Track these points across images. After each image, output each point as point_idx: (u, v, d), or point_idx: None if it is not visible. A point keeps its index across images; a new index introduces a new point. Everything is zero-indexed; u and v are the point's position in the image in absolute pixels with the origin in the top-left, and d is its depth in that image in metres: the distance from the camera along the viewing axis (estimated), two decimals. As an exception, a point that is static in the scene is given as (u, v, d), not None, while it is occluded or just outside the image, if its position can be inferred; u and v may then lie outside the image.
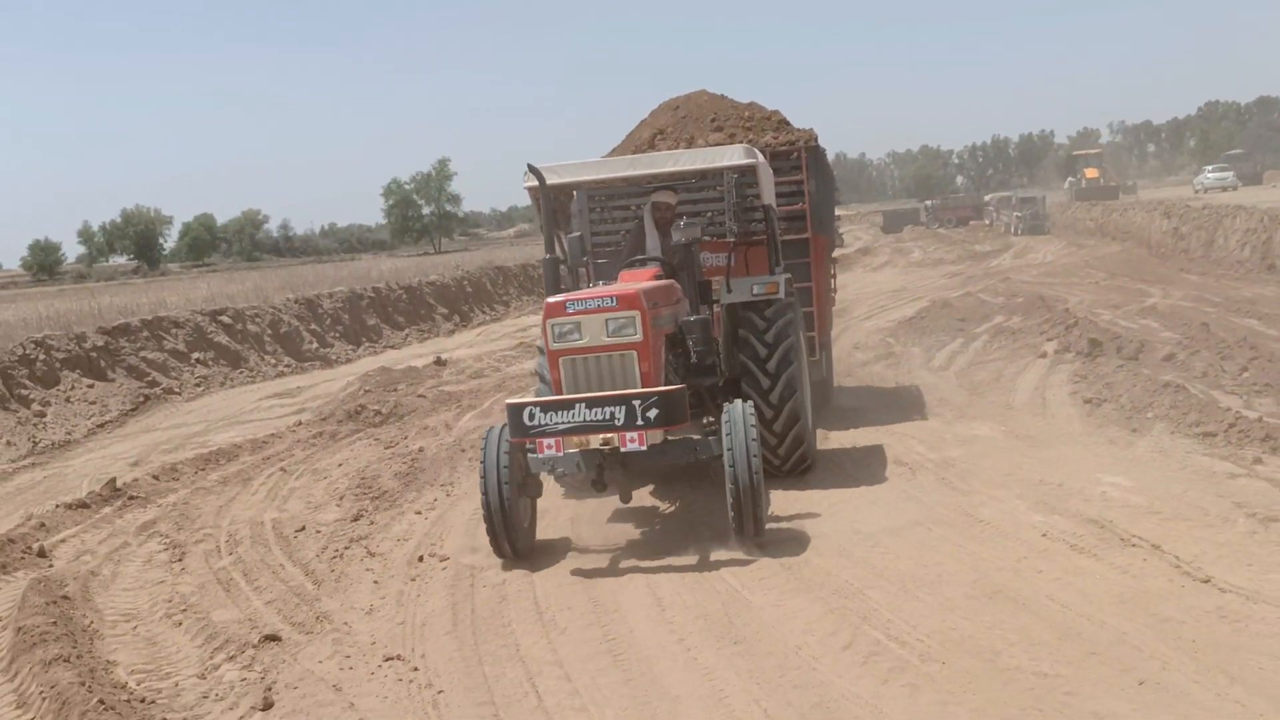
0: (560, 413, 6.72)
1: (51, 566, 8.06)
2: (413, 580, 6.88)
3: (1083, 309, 19.76)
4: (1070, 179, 70.50)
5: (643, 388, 6.88)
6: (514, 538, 7.05)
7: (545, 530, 7.85)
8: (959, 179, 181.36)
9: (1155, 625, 5.08)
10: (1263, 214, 29.53)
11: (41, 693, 5.19)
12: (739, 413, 6.92)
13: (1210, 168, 68.90)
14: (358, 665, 5.49)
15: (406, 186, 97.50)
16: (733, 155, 8.29)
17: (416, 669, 5.39)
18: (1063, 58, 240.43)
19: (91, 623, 6.52)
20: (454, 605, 6.29)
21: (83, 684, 5.14)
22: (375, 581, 6.96)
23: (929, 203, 78.44)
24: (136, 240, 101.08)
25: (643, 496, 8.66)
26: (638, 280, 7.71)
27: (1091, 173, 66.34)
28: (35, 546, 8.52)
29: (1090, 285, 25.89)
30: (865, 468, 8.98)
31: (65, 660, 5.50)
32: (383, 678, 5.31)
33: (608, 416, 6.66)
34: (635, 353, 6.99)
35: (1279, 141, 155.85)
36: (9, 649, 6.01)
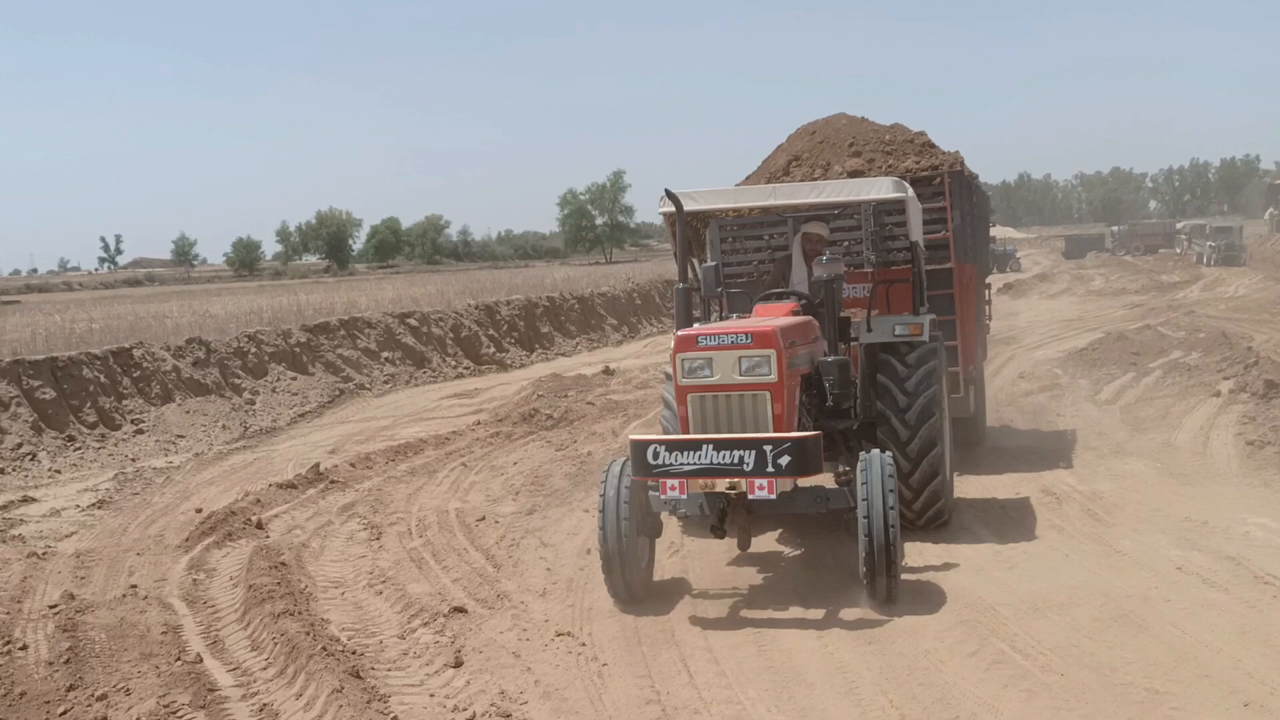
0: (686, 453, 6.41)
1: (269, 537, 9.18)
2: (581, 570, 7.64)
3: (1267, 348, 19.11)
4: (1271, 209, 66.75)
5: (775, 431, 6.62)
6: (631, 578, 6.74)
7: (659, 570, 7.54)
8: (1152, 204, 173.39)
9: (1271, 655, 5.36)
10: None
11: (273, 639, 6.16)
12: (877, 464, 6.54)
13: None
14: (533, 638, 6.27)
15: (581, 197, 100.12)
16: (880, 189, 7.84)
17: (584, 644, 6.14)
18: (1273, 74, 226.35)
19: (306, 587, 7.51)
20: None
21: (307, 634, 6.09)
22: (548, 569, 7.76)
23: (1115, 228, 75.77)
24: (328, 240, 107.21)
25: (764, 542, 8.28)
26: (774, 315, 7.43)
27: (1295, 203, 62.64)
28: (254, 519, 9.69)
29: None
30: (1010, 521, 8.50)
31: (290, 614, 6.48)
32: (555, 649, 6.07)
33: (736, 461, 6.34)
34: (769, 394, 6.69)
35: None
36: (242, 602, 7.05)
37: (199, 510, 10.49)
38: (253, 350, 19.10)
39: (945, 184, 10.01)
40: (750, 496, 6.42)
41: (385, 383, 20.69)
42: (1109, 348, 20.12)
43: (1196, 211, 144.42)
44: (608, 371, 19.95)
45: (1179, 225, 70.13)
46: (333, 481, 11.35)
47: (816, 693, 5.26)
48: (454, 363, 23.00)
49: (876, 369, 8.17)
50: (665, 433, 8.03)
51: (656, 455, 6.46)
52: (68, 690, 5.73)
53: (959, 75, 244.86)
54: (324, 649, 5.82)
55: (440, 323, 24.19)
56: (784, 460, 6.30)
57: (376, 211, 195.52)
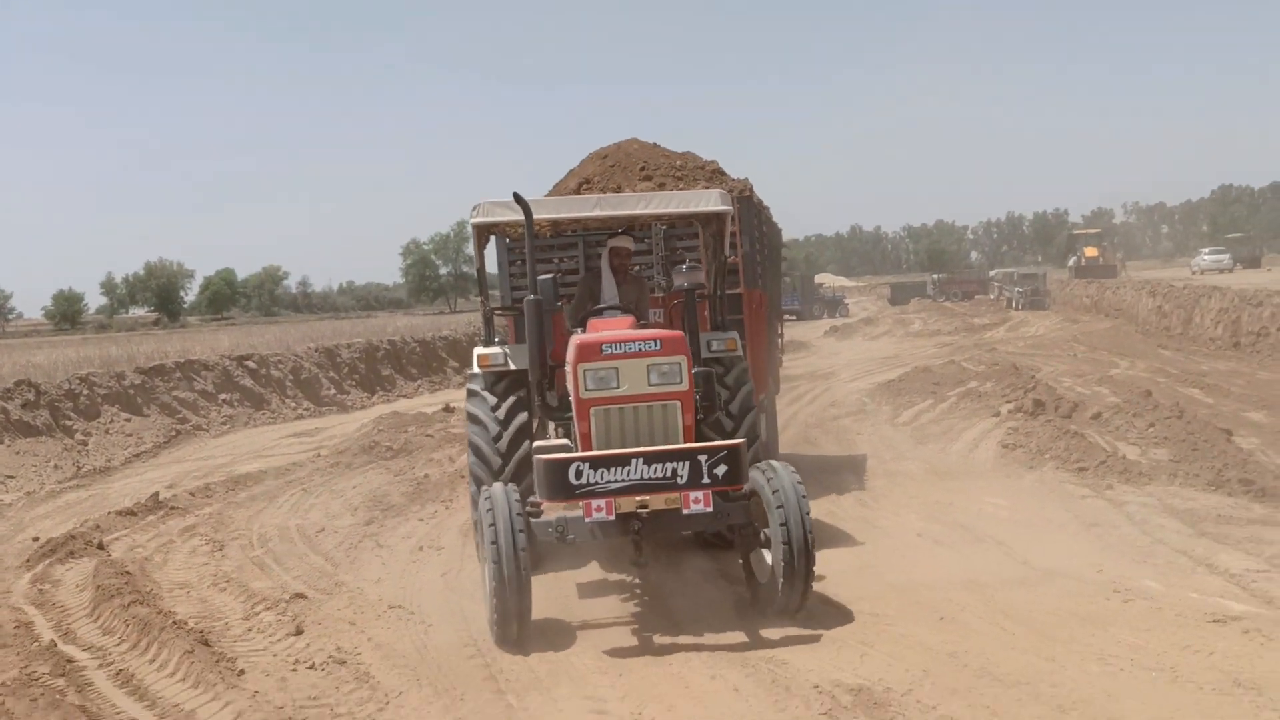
0: (614, 469, 5.98)
1: (110, 556, 9.56)
2: (414, 562, 8.42)
3: (1049, 376, 21.25)
4: (1072, 257, 72.19)
5: (684, 443, 6.34)
6: (526, 620, 6.12)
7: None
8: (973, 254, 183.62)
9: (972, 588, 6.84)
10: (1235, 294, 31.09)
11: (124, 623, 6.70)
12: (784, 472, 6.34)
13: (1207, 250, 70.62)
14: (368, 611, 7.04)
15: (425, 247, 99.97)
16: (709, 200, 7.84)
17: (413, 613, 6.95)
18: (1078, 137, 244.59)
19: (152, 589, 8.00)
20: (445, 574, 7.87)
21: (157, 616, 6.67)
22: (383, 563, 8.51)
23: (936, 276, 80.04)
24: (158, 292, 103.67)
25: (591, 571, 8.04)
26: (618, 329, 7.05)
27: (1091, 251, 67.90)
28: (95, 541, 10.01)
29: (1067, 357, 27.26)
30: None
31: (140, 603, 7.03)
32: (388, 618, 6.88)
33: (670, 474, 6.00)
34: (679, 403, 6.43)
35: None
36: (91, 601, 7.52)
37: (36, 539, 10.69)
38: (85, 392, 18.99)
39: (734, 210, 9.83)
40: (685, 511, 6.14)
41: (223, 424, 20.79)
42: (914, 379, 21.90)
43: (1014, 260, 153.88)
44: (448, 409, 20.56)
45: (991, 273, 74.81)
46: (173, 508, 11.69)
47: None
48: (294, 404, 23.21)
49: None
50: (475, 462, 7.69)
51: (579, 474, 5.99)
52: (-76, 676, 6.14)
53: (789, 123, 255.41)
54: (174, 624, 6.44)
55: (279, 365, 24.36)
56: (720, 470, 6.07)
57: (211, 263, 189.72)
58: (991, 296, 65.56)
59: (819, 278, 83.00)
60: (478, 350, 8.05)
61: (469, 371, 8.15)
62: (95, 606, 7.32)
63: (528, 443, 7.62)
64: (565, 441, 7.28)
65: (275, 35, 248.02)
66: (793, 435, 15.43)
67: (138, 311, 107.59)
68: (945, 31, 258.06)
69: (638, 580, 7.56)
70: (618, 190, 10.52)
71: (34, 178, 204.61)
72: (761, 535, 6.47)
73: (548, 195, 11.26)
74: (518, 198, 7.22)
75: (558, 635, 6.35)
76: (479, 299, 8.53)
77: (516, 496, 6.24)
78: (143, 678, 5.89)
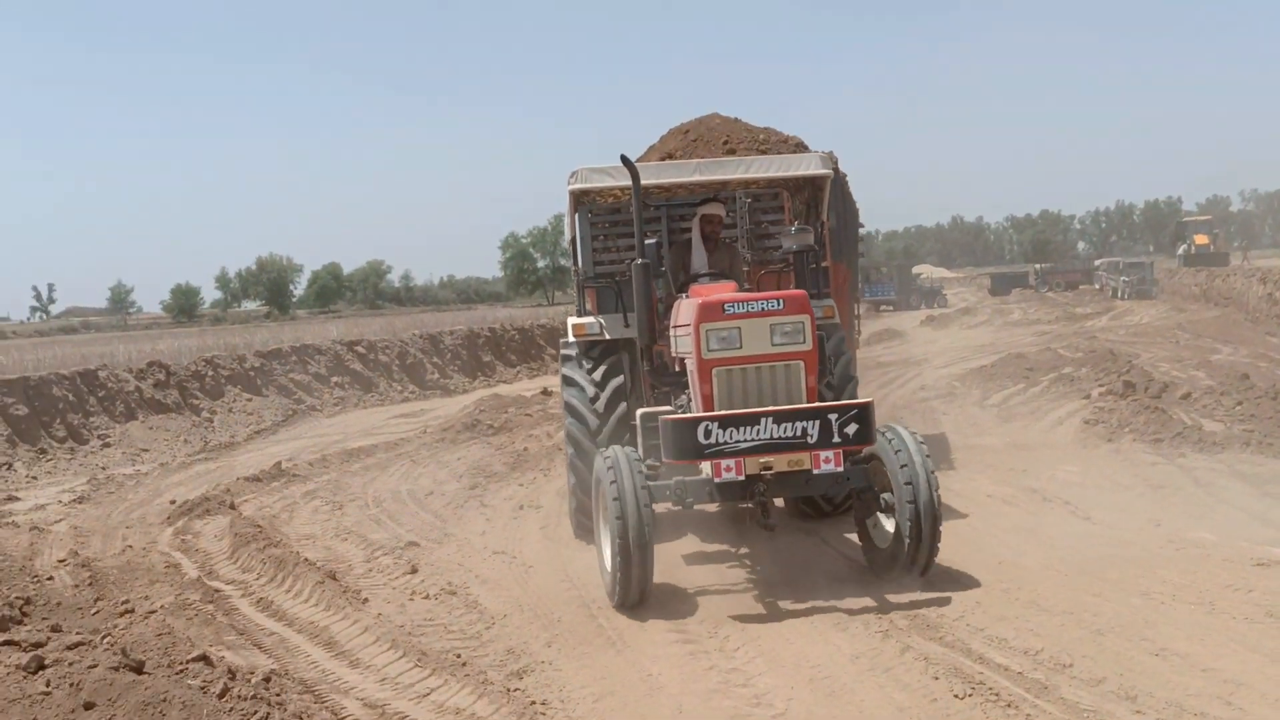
0: (744, 429, 5.91)
1: (242, 514, 10.50)
2: (514, 519, 9.15)
3: (1146, 362, 21.14)
4: (1181, 245, 70.25)
5: (808, 403, 6.24)
6: (648, 584, 6.14)
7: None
8: (1080, 244, 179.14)
9: (1033, 542, 7.28)
10: (1349, 279, 30.27)
11: (261, 562, 7.55)
12: (907, 436, 6.33)
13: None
14: (474, 555, 7.80)
15: (523, 240, 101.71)
16: (809, 164, 7.88)
17: (515, 557, 7.69)
18: (1191, 121, 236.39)
19: (281, 539, 8.87)
20: (543, 527, 8.57)
21: (290, 556, 7.49)
22: (487, 519, 9.27)
23: (1038, 266, 78.62)
24: (269, 286, 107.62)
25: (688, 544, 7.98)
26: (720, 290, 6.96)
27: (1201, 239, 66.02)
28: (227, 501, 10.99)
29: (1169, 344, 26.86)
30: None
31: (274, 546, 7.88)
32: (493, 561, 7.63)
33: (800, 433, 5.92)
34: (802, 363, 6.31)
35: None
36: (230, 546, 8.41)
37: (173, 501, 11.73)
38: (209, 373, 20.32)
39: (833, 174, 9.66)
40: (816, 471, 6.08)
41: (335, 405, 21.95)
42: (1007, 365, 21.93)
43: (1124, 251, 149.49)
44: (546, 393, 21.36)
45: (1096, 263, 73.17)
46: (294, 476, 12.66)
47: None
48: (400, 387, 24.33)
49: None
50: (572, 423, 7.84)
51: (709, 433, 5.91)
52: (95, 600, 7.05)
53: (884, 109, 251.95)
54: (306, 561, 7.25)
55: (387, 350, 25.53)
56: (851, 429, 5.97)
57: (317, 257, 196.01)
58: (1096, 286, 64.21)
59: (917, 268, 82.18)
60: (571, 320, 8.30)
61: (564, 340, 8.34)
62: (234, 550, 8.19)
63: (624, 405, 7.75)
64: (669, 408, 7.22)
65: (383, 34, 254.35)
66: (880, 415, 15.69)
67: (250, 305, 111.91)
68: (1053, 14, 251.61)
69: (744, 550, 7.58)
70: None
71: (152, 176, 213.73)
72: (881, 500, 6.40)
73: None
74: (625, 160, 7.16)
75: (672, 600, 6.35)
76: (573, 269, 8.75)
77: (639, 457, 6.27)
78: (281, 604, 6.70)
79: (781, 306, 6.27)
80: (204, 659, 4.99)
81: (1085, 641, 5.14)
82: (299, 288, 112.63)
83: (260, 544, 8.08)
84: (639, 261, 7.19)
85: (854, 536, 7.01)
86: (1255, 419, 11.89)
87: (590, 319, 8.28)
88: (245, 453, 16.59)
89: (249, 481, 12.27)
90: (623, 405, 7.79)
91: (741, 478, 6.02)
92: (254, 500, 11.32)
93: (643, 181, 7.45)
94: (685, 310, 6.66)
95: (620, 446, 6.43)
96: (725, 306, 6.28)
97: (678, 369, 7.22)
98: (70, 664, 4.63)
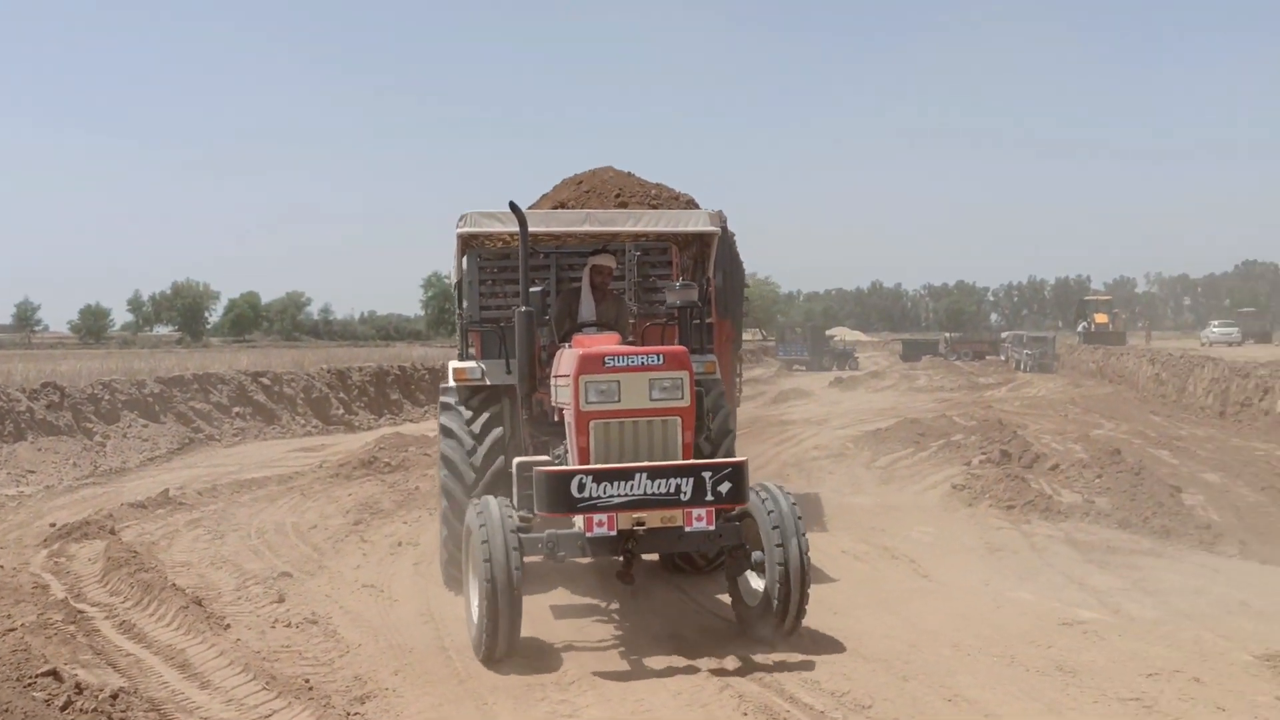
0: (617, 483, 5.91)
1: (121, 539, 10.52)
2: (391, 554, 9.38)
3: (1031, 434, 22.04)
4: (1082, 323, 72.89)
5: (682, 460, 6.30)
6: (515, 637, 6.05)
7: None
8: (993, 316, 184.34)
9: (871, 592, 7.77)
10: (1226, 365, 31.86)
11: (130, 586, 7.66)
12: (779, 495, 6.39)
13: (1216, 323, 71.17)
14: (343, 588, 8.02)
15: (445, 280, 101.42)
16: (699, 220, 8.00)
17: (382, 591, 7.92)
18: (1104, 205, 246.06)
19: (155, 565, 8.95)
20: (417, 564, 8.85)
21: (159, 580, 7.62)
22: (364, 554, 9.48)
23: (948, 335, 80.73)
24: (183, 312, 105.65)
25: (558, 596, 7.95)
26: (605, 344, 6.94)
27: (1101, 318, 68.57)
28: (107, 526, 10.99)
29: (1058, 417, 27.93)
30: None
31: (145, 571, 7.99)
32: (361, 594, 7.86)
33: (673, 490, 5.95)
34: (680, 419, 6.34)
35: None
36: (101, 570, 8.48)
37: (53, 524, 11.68)
38: (106, 397, 20.08)
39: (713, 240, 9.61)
40: (688, 529, 6.10)
41: (235, 435, 21.82)
42: (901, 429, 22.65)
43: (1032, 324, 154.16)
44: (449, 433, 21.53)
45: (1003, 335, 75.45)
46: (180, 504, 12.68)
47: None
48: (303, 421, 24.23)
49: None
50: (448, 476, 7.79)
51: (583, 487, 5.90)
52: (-47, 619, 7.09)
53: (800, 171, 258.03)
54: (174, 586, 7.40)
55: (292, 384, 25.43)
56: (724, 487, 6.03)
57: (236, 285, 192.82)
58: (1002, 358, 66.11)
59: (832, 330, 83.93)
60: (453, 364, 8.18)
61: (443, 385, 8.24)
62: (105, 574, 8.27)
63: (502, 458, 7.65)
64: (546, 457, 7.19)
65: (314, 57, 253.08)
66: (769, 472, 16.26)
67: (162, 330, 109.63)
68: (972, 94, 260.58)
69: (613, 605, 7.61)
70: None
71: (66, 193, 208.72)
72: (752, 558, 6.44)
73: None
74: (514, 207, 7.18)
75: (539, 655, 6.28)
76: (457, 312, 8.73)
77: (511, 509, 6.21)
78: (143, 627, 6.83)
79: (661, 362, 6.31)
80: (54, 674, 5.15)
81: (890, 686, 5.57)
82: (215, 315, 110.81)
83: (132, 569, 8.18)
84: (522, 309, 7.16)
85: (725, 596, 7.09)
86: (1110, 492, 12.64)
87: (472, 364, 8.17)
88: (135, 479, 16.45)
89: (133, 507, 12.27)
90: (500, 459, 7.70)
91: (614, 533, 6.01)
92: (136, 526, 11.33)
93: (532, 229, 7.54)
94: (566, 360, 6.67)
95: (492, 498, 6.37)
96: (605, 359, 6.30)
97: (556, 419, 7.18)
98: (-83, 673, 4.76)
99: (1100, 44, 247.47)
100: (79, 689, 4.94)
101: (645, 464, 6.07)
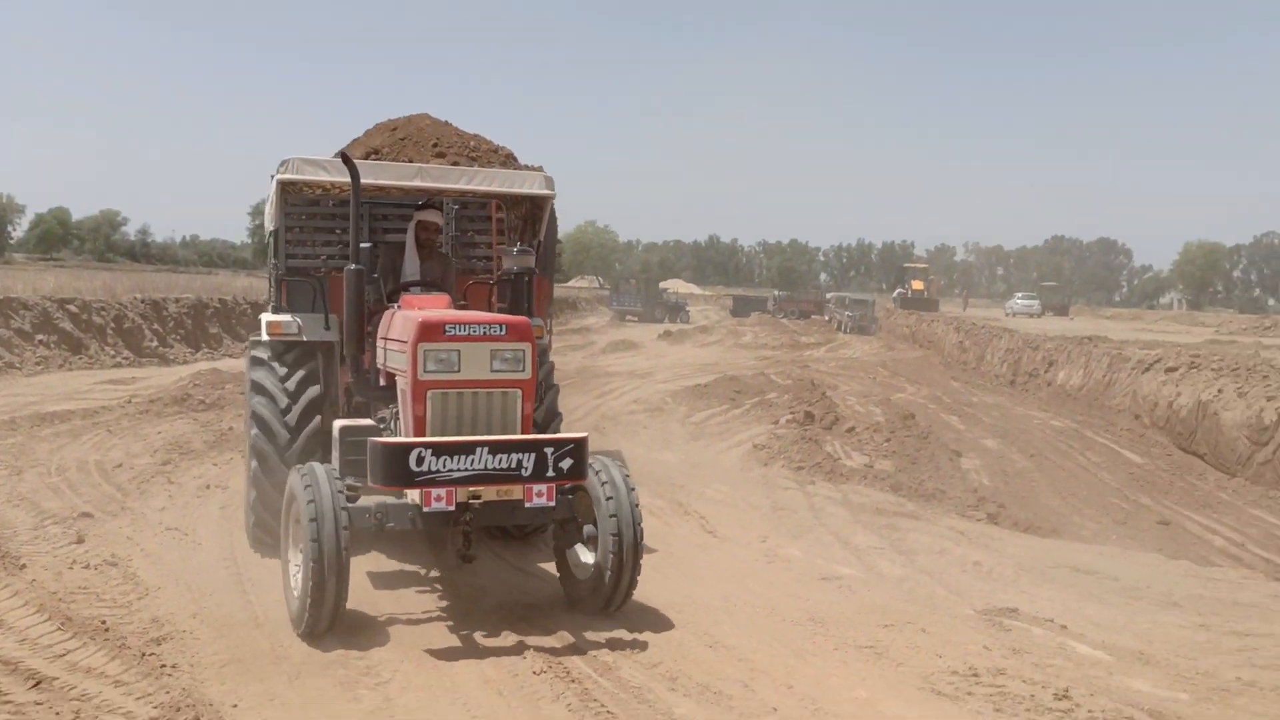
0: (458, 458, 5.75)
1: (-95, 471, 10.21)
2: (198, 497, 9.44)
3: (839, 396, 23.33)
4: (899, 288, 76.29)
5: (523, 433, 6.20)
6: (340, 611, 5.83)
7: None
8: (823, 275, 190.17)
9: (660, 545, 8.23)
10: (1020, 337, 34.26)
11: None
12: (614, 469, 6.39)
13: (1020, 295, 75.86)
14: (146, 530, 8.08)
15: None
16: (535, 183, 7.87)
17: (186, 535, 8.03)
18: (931, 174, 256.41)
19: (-56, 500, 8.80)
20: (223, 508, 8.96)
21: (-51, 518, 7.53)
22: (170, 496, 9.50)
23: (777, 293, 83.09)
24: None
25: (375, 562, 7.69)
26: (436, 307, 6.88)
27: (917, 285, 72.08)
28: (-107, 457, 10.62)
29: (867, 380, 29.50)
30: None
31: (-68, 509, 7.86)
32: (164, 537, 7.95)
33: (514, 465, 5.83)
34: (520, 392, 6.23)
35: (1112, 281, 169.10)
36: (-114, 505, 8.28)
37: None
38: (-107, 319, 18.95)
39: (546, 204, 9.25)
40: (528, 504, 6.01)
41: (37, 364, 20.92)
42: (720, 386, 23.56)
43: (859, 286, 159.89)
44: (269, 370, 21.22)
45: (828, 296, 78.29)
46: (-26, 439, 12.27)
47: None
48: (113, 352, 23.39)
49: None
50: (258, 436, 7.42)
51: (421, 460, 5.70)
52: None
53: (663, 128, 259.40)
54: (-38, 531, 7.35)
55: (102, 312, 24.45)
56: (566, 463, 5.94)
57: (44, 200, 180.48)
58: (826, 318, 68.67)
59: (666, 283, 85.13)
60: (267, 317, 7.82)
61: (253, 338, 7.93)
62: (-113, 510, 8.10)
63: (319, 418, 7.44)
64: (370, 422, 6.87)
65: None
66: (585, 425, 16.80)
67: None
68: (810, 60, 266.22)
69: (433, 572, 7.53)
70: (409, 163, 9.94)
71: None
72: (584, 531, 6.40)
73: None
74: (346, 158, 6.94)
75: (362, 631, 6.08)
76: (271, 262, 8.45)
77: (338, 479, 5.98)
78: (-71, 574, 6.79)
79: (504, 332, 6.14)
80: None
81: (659, 633, 6.14)
82: (19, 230, 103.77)
83: (-82, 504, 8.05)
84: (352, 267, 6.89)
85: (551, 566, 7.13)
86: (895, 455, 13.71)
87: (287, 318, 7.77)
88: (-76, 410, 15.70)
89: (-79, 441, 11.83)
90: (317, 419, 7.45)
91: (451, 508, 5.84)
92: (-76, 460, 10.97)
93: (369, 181, 7.29)
94: (400, 324, 6.42)
95: (318, 464, 6.10)
96: (446, 328, 6.07)
97: (384, 383, 6.96)
98: None
99: (933, 31, 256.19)
100: None
101: (486, 438, 5.90)
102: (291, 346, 7.70)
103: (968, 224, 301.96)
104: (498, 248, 9.26)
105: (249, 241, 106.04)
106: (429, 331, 6.05)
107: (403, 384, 6.28)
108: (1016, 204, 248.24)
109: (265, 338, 7.73)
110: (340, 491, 5.85)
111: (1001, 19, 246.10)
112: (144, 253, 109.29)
